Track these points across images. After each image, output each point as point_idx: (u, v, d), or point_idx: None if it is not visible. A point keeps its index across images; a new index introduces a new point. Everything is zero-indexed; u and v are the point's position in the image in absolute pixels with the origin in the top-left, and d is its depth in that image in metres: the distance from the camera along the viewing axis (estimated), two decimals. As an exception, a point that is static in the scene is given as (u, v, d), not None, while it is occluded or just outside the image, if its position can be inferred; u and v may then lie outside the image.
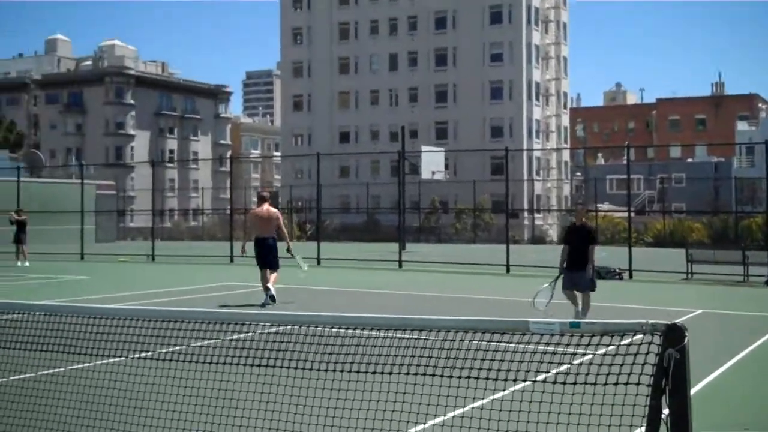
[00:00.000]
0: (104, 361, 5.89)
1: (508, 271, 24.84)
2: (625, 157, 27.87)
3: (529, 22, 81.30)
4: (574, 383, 3.93)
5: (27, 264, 27.67)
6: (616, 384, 3.78)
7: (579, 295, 13.44)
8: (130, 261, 31.17)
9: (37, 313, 5.93)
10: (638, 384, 3.71)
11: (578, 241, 13.47)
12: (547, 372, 4.52)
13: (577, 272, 13.27)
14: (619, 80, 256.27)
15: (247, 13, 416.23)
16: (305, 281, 18.69)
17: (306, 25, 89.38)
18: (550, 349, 4.12)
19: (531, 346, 4.09)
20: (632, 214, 28.06)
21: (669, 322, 3.64)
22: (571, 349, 3.97)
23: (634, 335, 3.70)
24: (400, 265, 27.27)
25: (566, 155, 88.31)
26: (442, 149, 46.47)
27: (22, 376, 7.07)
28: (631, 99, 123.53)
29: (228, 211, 41.82)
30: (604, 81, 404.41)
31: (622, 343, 3.88)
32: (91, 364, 6.47)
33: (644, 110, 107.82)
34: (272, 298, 15.37)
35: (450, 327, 4.22)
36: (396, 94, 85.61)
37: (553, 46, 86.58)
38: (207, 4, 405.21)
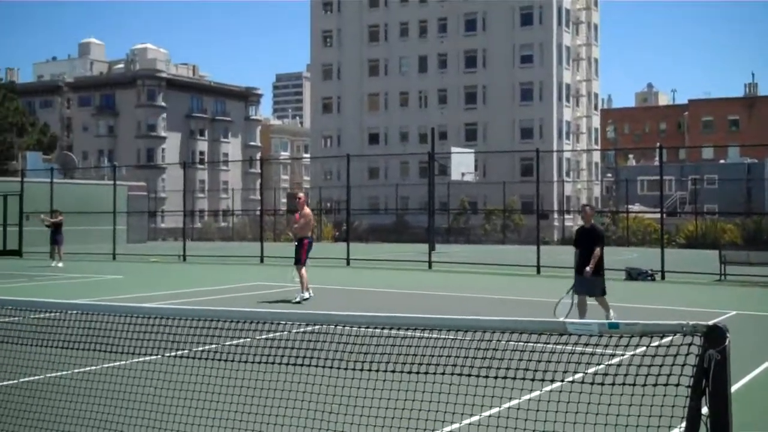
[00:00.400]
0: (139, 359, 5.93)
1: (538, 272, 24.72)
2: (657, 158, 27.63)
3: (559, 23, 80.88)
4: (612, 384, 3.90)
5: (60, 264, 27.89)
6: (654, 385, 3.74)
7: (586, 302, 12.82)
8: (162, 261, 31.41)
9: (73, 312, 5.99)
10: (677, 385, 3.67)
11: (588, 244, 13.01)
12: (583, 372, 4.49)
13: (590, 277, 12.78)
14: (651, 81, 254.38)
15: (277, 16, 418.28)
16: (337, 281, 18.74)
17: (336, 27, 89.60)
18: (588, 350, 4.08)
19: (567, 347, 4.06)
20: (664, 216, 27.77)
21: (710, 323, 3.60)
22: (609, 350, 3.93)
23: (674, 336, 3.66)
24: (430, 266, 27.23)
25: (597, 156, 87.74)
26: (472, 150, 46.31)
27: (58, 373, 7.14)
28: (663, 100, 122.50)
29: (258, 212, 42.03)
30: (635, 82, 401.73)
31: (660, 343, 3.84)
32: (126, 362, 6.53)
33: (676, 111, 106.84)
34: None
35: (487, 327, 4.20)
36: (425, 96, 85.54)
37: (583, 47, 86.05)
38: (238, 7, 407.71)
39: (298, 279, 16.74)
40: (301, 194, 18.16)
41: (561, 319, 11.52)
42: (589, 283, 12.77)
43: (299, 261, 16.72)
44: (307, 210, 17.27)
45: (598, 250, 12.81)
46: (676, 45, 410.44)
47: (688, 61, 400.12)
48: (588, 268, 12.62)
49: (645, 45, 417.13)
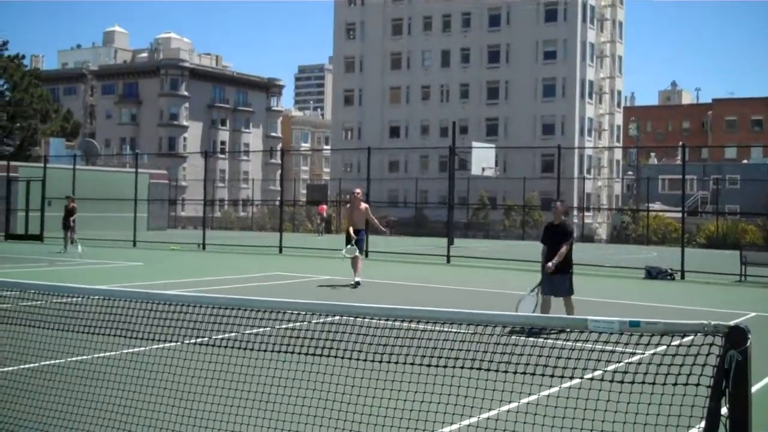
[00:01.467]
0: (159, 346, 5.97)
1: (557, 269, 24.65)
2: (679, 157, 27.45)
3: (584, 20, 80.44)
4: (632, 382, 3.89)
5: (79, 249, 27.51)
6: (674, 384, 3.73)
7: (551, 303, 12.23)
8: (181, 249, 31.57)
9: (95, 297, 6.04)
10: (697, 385, 3.66)
11: (556, 242, 12.26)
12: (603, 370, 4.48)
13: (557, 275, 12.07)
14: (675, 79, 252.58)
15: (300, 8, 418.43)
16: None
17: (359, 20, 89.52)
18: (608, 348, 4.08)
19: (587, 344, 4.06)
20: (685, 215, 27.60)
21: (731, 324, 3.58)
22: (629, 349, 3.92)
23: (695, 336, 3.65)
24: (449, 260, 27.21)
25: (618, 154, 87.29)
26: (493, 146, 46.19)
27: (78, 357, 7.21)
28: (687, 99, 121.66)
29: (278, 203, 42.14)
30: (659, 80, 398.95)
31: (681, 343, 3.82)
32: (146, 348, 6.58)
33: (699, 110, 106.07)
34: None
35: (508, 322, 4.20)
36: (447, 90, 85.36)
37: (608, 45, 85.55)
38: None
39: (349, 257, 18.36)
40: (358, 190, 19.75)
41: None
42: (557, 281, 12.12)
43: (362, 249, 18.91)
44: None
45: (565, 247, 12.11)
46: (700, 44, 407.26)
47: (713, 60, 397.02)
48: (550, 264, 11.96)
49: (669, 43, 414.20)
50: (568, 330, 3.99)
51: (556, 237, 12.28)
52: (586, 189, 75.98)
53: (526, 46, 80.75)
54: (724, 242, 45.55)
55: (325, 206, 56.23)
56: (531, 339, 4.13)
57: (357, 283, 17.78)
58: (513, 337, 4.16)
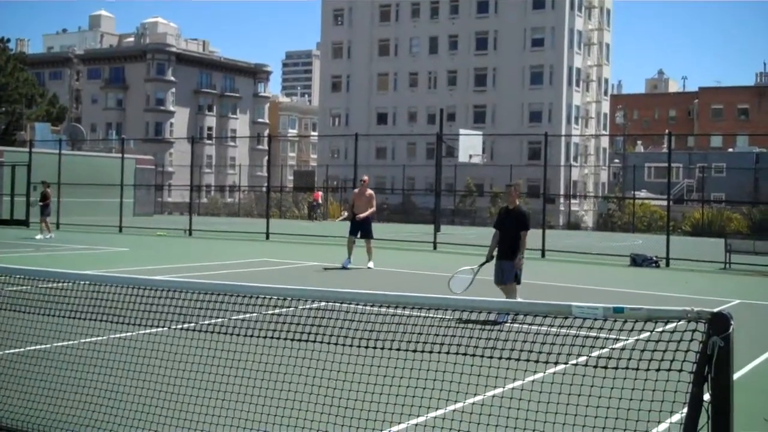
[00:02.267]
0: (146, 331, 5.98)
1: (543, 255, 24.76)
2: (665, 145, 27.55)
3: (572, 7, 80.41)
4: (616, 368, 3.93)
5: (52, 235, 27.43)
6: (657, 370, 3.77)
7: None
8: (168, 235, 31.49)
9: (81, 282, 6.03)
10: (680, 371, 3.70)
11: (510, 227, 11.70)
12: (587, 356, 4.52)
13: (507, 262, 11.62)
14: (662, 68, 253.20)
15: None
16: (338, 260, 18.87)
17: (347, 6, 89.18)
18: (592, 334, 4.11)
19: (572, 330, 4.09)
20: (671, 203, 27.73)
21: (714, 310, 3.62)
22: (613, 335, 3.96)
23: (678, 322, 3.68)
24: (435, 247, 27.26)
25: (605, 142, 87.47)
26: (480, 133, 46.21)
27: (65, 342, 7.20)
28: (673, 87, 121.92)
29: (264, 189, 42.07)
30: (646, 68, 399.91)
31: (664, 329, 3.86)
32: (133, 333, 6.58)
33: (686, 99, 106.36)
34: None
35: (491, 308, 4.23)
36: (435, 77, 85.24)
37: (595, 32, 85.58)
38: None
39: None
40: (365, 177, 20.54)
41: (457, 292, 10.74)
42: (506, 267, 11.62)
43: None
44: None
45: (526, 235, 11.67)
46: (687, 32, 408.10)
47: (700, 49, 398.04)
48: (519, 257, 11.56)
49: (657, 31, 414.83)
50: (521, 315, 4.02)
51: (510, 222, 11.75)
52: (573, 176, 76.22)
53: (514, 34, 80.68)
54: (710, 230, 45.80)
55: (320, 193, 56.25)
56: (516, 325, 4.15)
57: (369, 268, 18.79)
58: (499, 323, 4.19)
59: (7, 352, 6.82)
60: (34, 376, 6.26)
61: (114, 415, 5.40)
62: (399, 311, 4.55)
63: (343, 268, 18.67)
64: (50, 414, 5.62)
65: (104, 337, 7.02)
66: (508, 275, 11.61)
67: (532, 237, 26.62)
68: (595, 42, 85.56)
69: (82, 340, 6.93)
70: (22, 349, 6.85)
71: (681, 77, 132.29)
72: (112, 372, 6.01)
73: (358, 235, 19.27)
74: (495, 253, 11.86)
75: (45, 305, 6.05)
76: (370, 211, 19.39)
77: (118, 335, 6.98)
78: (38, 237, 27.34)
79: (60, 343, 7.25)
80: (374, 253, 19.53)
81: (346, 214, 20.67)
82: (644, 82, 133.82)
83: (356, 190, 20.32)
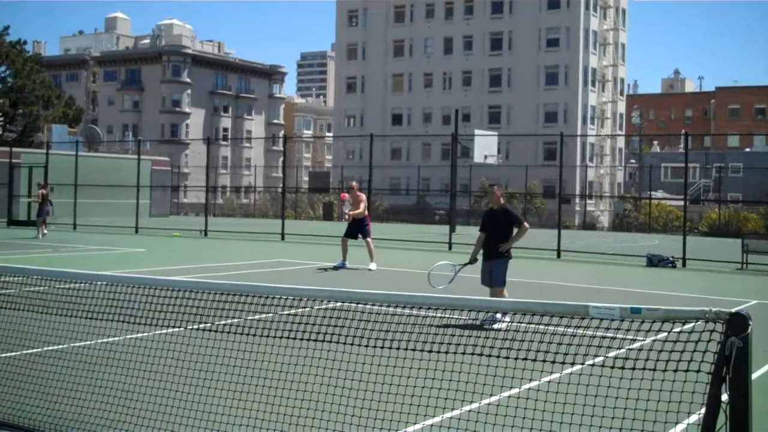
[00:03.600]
0: (162, 332, 6.00)
1: (558, 256, 24.68)
2: (682, 145, 27.40)
3: (587, 7, 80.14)
4: (633, 368, 3.91)
5: (45, 232, 28.02)
6: (675, 371, 3.75)
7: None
8: (184, 236, 31.60)
9: (98, 282, 6.06)
10: (698, 371, 3.68)
11: (498, 228, 11.30)
12: (604, 356, 4.50)
13: (495, 261, 11.18)
14: (678, 67, 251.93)
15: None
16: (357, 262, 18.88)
17: (362, 7, 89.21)
18: (609, 334, 4.09)
19: (588, 331, 4.07)
20: (687, 203, 27.59)
21: (733, 311, 3.60)
22: (630, 335, 3.94)
23: (696, 322, 3.66)
24: (450, 247, 27.22)
25: (621, 142, 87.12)
26: (495, 133, 46.11)
27: (82, 343, 7.24)
28: (690, 87, 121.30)
29: (280, 190, 42.14)
30: (662, 68, 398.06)
31: (682, 329, 3.84)
32: (149, 334, 6.61)
33: (702, 98, 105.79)
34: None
35: (508, 309, 4.22)
36: (450, 78, 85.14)
37: (611, 32, 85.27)
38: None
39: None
40: (354, 183, 20.47)
41: (436, 287, 10.41)
42: (494, 267, 11.17)
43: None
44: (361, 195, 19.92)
45: (526, 224, 11.44)
46: (704, 32, 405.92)
47: (716, 49, 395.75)
48: (505, 245, 11.16)
49: (673, 31, 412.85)
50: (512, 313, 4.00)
51: (496, 224, 11.35)
52: (589, 177, 75.89)
53: (529, 34, 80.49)
54: (726, 230, 45.52)
55: (347, 194, 56.24)
56: (532, 325, 4.13)
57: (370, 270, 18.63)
58: (515, 323, 4.18)
59: (25, 352, 6.86)
60: (52, 376, 6.29)
61: (131, 414, 5.42)
62: (414, 311, 4.55)
63: (336, 268, 18.69)
64: (68, 414, 5.64)
65: (121, 338, 7.06)
66: (497, 277, 11.14)
67: (548, 237, 26.51)
68: (610, 42, 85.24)
69: (99, 341, 6.97)
70: (39, 350, 6.89)
71: (697, 77, 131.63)
72: (128, 372, 6.03)
73: (358, 237, 19.49)
74: (480, 255, 11.43)
75: (62, 306, 6.08)
76: (356, 211, 19.32)
77: (134, 335, 7.01)
78: (40, 236, 27.76)
79: (77, 344, 7.29)
80: (376, 253, 19.42)
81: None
82: (660, 81, 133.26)
83: (348, 196, 20.35)
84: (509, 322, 8.19)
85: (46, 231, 28.21)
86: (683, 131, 29.70)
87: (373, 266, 18.71)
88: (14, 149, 40.67)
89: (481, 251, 11.45)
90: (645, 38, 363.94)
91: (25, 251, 21.71)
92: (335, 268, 18.69)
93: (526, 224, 11.45)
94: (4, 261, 16.28)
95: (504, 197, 11.89)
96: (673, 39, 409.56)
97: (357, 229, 19.45)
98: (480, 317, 9.07)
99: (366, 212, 19.67)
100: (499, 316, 8.98)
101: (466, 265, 11.36)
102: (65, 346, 7.22)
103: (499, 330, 8.04)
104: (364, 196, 19.97)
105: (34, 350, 6.86)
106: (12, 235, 29.20)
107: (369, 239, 19.37)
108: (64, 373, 6.42)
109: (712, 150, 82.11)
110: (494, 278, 11.14)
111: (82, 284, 6.13)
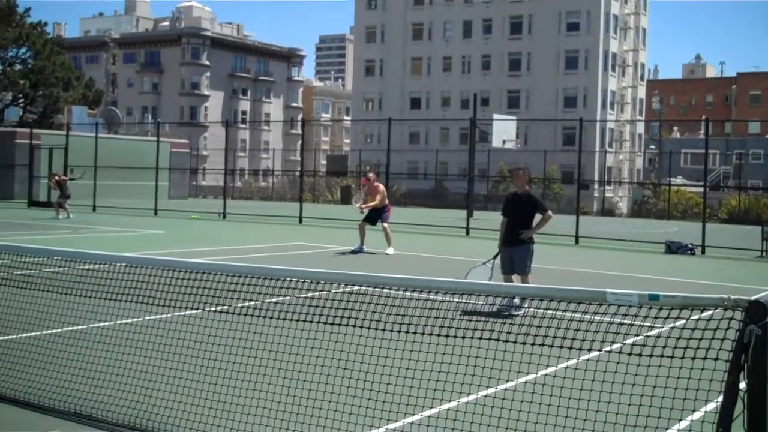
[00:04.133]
0: (181, 313, 6.04)
1: (577, 242, 24.60)
2: (702, 131, 27.18)
3: (608, -10, 79.53)
4: (650, 355, 3.90)
5: (70, 216, 28.31)
6: (693, 358, 3.73)
7: (512, 282, 10.79)
8: (203, 218, 31.73)
9: (118, 264, 6.10)
10: (716, 359, 3.67)
11: (521, 213, 10.99)
12: (621, 343, 4.49)
13: (518, 248, 10.83)
14: (699, 53, 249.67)
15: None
16: (374, 246, 18.91)
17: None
18: (627, 321, 4.08)
19: (606, 317, 4.06)
20: (707, 190, 27.41)
21: (751, 299, 3.58)
22: (648, 322, 3.93)
23: (714, 310, 3.65)
24: (468, 232, 27.19)
25: (640, 127, 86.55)
26: (514, 118, 45.92)
27: (101, 324, 7.31)
28: (711, 72, 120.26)
29: (298, 173, 42.20)
30: (683, 53, 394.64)
31: (700, 317, 3.83)
32: (168, 315, 6.65)
33: (724, 84, 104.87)
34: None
35: (525, 294, 4.22)
36: (468, 62, 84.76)
37: (632, 17, 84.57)
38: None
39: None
40: (371, 174, 20.35)
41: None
42: (516, 255, 10.84)
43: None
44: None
45: (550, 212, 11.07)
46: (726, 17, 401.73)
47: (738, 34, 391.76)
48: (527, 232, 10.85)
49: (694, 16, 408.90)
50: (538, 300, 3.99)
51: (519, 209, 11.02)
52: (608, 162, 75.47)
53: (549, 18, 79.94)
54: (746, 217, 45.20)
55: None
56: (549, 311, 4.13)
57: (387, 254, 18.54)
58: (532, 308, 4.17)
59: (45, 332, 6.93)
60: (72, 356, 6.35)
61: (149, 395, 5.47)
62: (432, 296, 4.55)
63: (354, 252, 18.58)
64: (87, 394, 5.70)
65: (140, 319, 7.11)
66: (520, 265, 10.79)
67: (567, 223, 26.42)
68: (631, 26, 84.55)
69: (118, 321, 7.03)
70: (59, 330, 6.95)
71: (719, 62, 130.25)
72: (147, 353, 6.08)
73: (376, 223, 19.31)
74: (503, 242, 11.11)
75: (82, 287, 6.13)
76: (371, 204, 19.06)
77: (153, 317, 7.06)
78: (60, 217, 28.18)
79: (96, 324, 7.36)
80: (393, 238, 19.36)
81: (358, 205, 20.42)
82: (681, 67, 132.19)
83: (366, 187, 19.85)
84: (527, 308, 8.07)
85: (69, 214, 28.37)
86: (704, 117, 29.47)
87: (390, 251, 18.68)
88: (35, 131, 40.90)
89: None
90: (666, 23, 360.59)
91: (45, 232, 21.88)
92: (353, 252, 18.64)
93: (550, 212, 11.12)
94: (24, 242, 16.42)
95: (527, 182, 11.66)
96: (695, 24, 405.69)
97: (377, 215, 19.34)
98: (497, 303, 8.93)
99: (386, 201, 19.45)
100: (517, 301, 8.46)
101: (496, 255, 11.07)
102: (85, 326, 7.29)
103: (516, 316, 7.88)
104: (382, 187, 19.70)
105: (54, 330, 6.92)
106: (33, 216, 29.41)
107: (386, 224, 19.31)
108: (83, 353, 6.48)
109: (732, 136, 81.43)
110: (517, 265, 10.80)
111: (102, 265, 6.18)
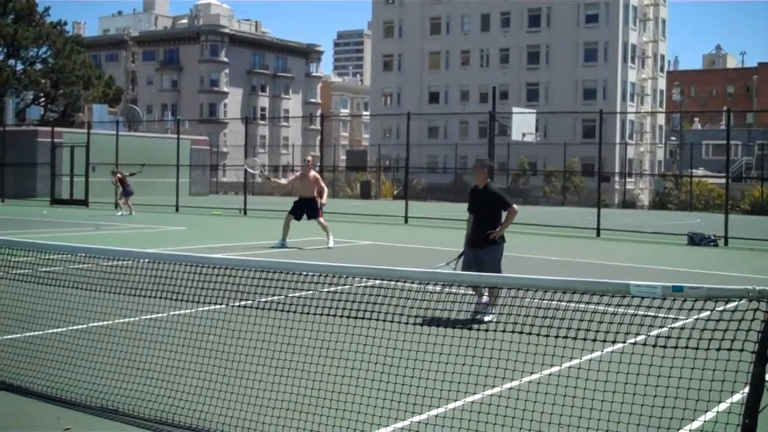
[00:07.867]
0: (205, 308, 6.08)
1: (598, 234, 24.49)
2: (723, 122, 26.96)
3: (627, -19, 79.04)
4: (675, 347, 3.89)
5: (123, 213, 28.88)
6: (718, 350, 3.72)
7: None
8: (223, 214, 31.85)
9: (142, 260, 6.16)
10: (741, 350, 3.65)
11: (483, 210, 9.72)
12: (646, 335, 4.48)
13: (482, 250, 9.56)
14: (720, 43, 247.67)
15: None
16: (394, 239, 18.88)
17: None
18: (651, 313, 4.07)
19: (630, 309, 4.06)
20: (729, 181, 27.20)
21: (777, 289, 3.56)
22: (672, 314, 3.92)
23: (739, 301, 3.63)
24: (488, 227, 27.14)
25: (661, 119, 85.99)
26: (533, 111, 45.75)
27: (126, 319, 7.38)
28: (732, 63, 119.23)
29: (317, 169, 42.29)
30: (703, 44, 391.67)
31: (725, 308, 3.82)
32: (192, 310, 6.70)
33: (745, 74, 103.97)
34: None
35: (549, 287, 4.21)
36: (487, 55, 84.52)
37: (651, 7, 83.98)
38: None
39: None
40: (309, 157, 19.85)
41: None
42: (488, 258, 9.45)
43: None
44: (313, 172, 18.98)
45: (515, 206, 9.72)
46: (746, 6, 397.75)
47: (759, 23, 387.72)
48: (495, 231, 9.50)
49: (714, 6, 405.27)
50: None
51: (482, 204, 9.77)
52: (628, 155, 75.05)
53: (568, 10, 79.54)
54: (769, 209, 44.84)
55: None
56: (573, 303, 4.13)
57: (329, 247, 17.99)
58: (555, 301, 4.17)
59: (71, 328, 6.99)
60: (98, 351, 6.41)
61: (174, 390, 5.51)
62: (454, 290, 4.56)
63: (276, 248, 17.77)
64: (113, 389, 5.76)
65: (164, 314, 7.16)
66: (490, 267, 9.20)
67: (588, 215, 26.23)
68: (650, 17, 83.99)
69: (143, 317, 7.08)
70: (85, 326, 7.02)
71: (739, 52, 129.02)
72: (172, 348, 6.13)
73: (304, 218, 18.53)
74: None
75: (107, 283, 6.18)
76: (324, 198, 18.57)
77: (177, 312, 7.12)
78: (119, 214, 29.17)
79: (122, 320, 7.43)
80: (330, 229, 18.71)
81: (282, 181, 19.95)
82: (701, 57, 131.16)
83: (299, 172, 19.01)
84: (497, 314, 7.48)
85: (132, 212, 29.26)
86: (725, 108, 29.22)
87: (331, 243, 18.16)
88: (56, 129, 41.20)
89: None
90: (686, 13, 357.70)
91: (68, 229, 22.04)
92: (274, 247, 17.84)
93: (515, 206, 9.77)
94: (49, 239, 16.56)
95: (489, 175, 10.19)
96: (715, 14, 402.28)
97: (309, 209, 18.55)
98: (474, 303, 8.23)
99: (319, 194, 18.63)
100: (489, 307, 7.98)
101: (460, 256, 9.94)
102: (110, 322, 7.36)
103: (489, 322, 7.29)
104: (317, 176, 18.96)
105: (80, 326, 6.99)
106: (60, 214, 29.62)
107: (320, 219, 18.55)
108: (109, 348, 6.54)
109: (754, 127, 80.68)
110: (486, 269, 9.03)
111: (126, 261, 6.23)
